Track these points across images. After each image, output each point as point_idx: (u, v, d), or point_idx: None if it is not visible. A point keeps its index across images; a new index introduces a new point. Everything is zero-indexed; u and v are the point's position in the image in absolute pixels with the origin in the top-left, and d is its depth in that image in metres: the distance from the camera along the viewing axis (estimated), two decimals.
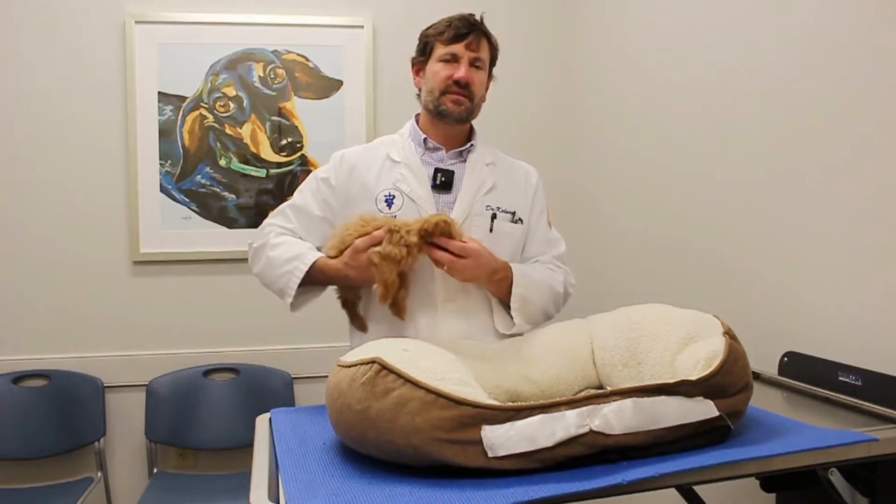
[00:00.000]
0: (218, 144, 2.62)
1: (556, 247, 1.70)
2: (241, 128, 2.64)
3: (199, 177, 2.62)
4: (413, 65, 1.66)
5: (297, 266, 1.51)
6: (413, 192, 1.56)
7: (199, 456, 2.61)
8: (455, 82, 1.55)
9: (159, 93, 2.58)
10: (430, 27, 1.62)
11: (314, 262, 1.51)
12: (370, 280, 1.46)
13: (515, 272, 1.53)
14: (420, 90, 1.64)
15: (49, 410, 2.48)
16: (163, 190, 2.59)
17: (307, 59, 2.67)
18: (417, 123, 1.66)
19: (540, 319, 1.60)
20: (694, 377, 1.05)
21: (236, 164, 2.64)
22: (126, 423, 2.56)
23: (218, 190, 2.63)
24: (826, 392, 1.37)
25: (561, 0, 2.84)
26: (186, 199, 2.61)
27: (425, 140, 1.62)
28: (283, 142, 2.66)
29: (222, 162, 2.63)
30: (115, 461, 2.58)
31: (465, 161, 1.63)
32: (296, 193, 1.67)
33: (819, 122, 1.53)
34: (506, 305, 1.55)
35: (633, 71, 2.34)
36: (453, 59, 1.56)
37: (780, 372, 1.55)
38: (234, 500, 2.31)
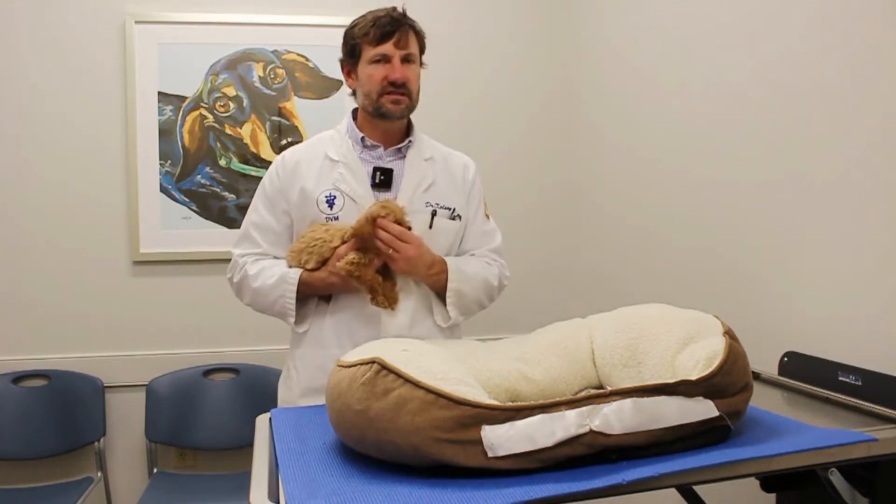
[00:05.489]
0: (218, 144, 2.62)
1: (492, 240, 1.72)
2: (241, 128, 2.64)
3: (199, 177, 2.61)
4: (342, 66, 1.65)
5: (287, 288, 1.56)
6: (353, 191, 1.57)
7: (199, 456, 2.61)
8: (391, 83, 1.55)
9: (159, 93, 2.57)
10: (354, 26, 1.60)
11: (299, 278, 1.55)
12: (353, 286, 1.51)
13: (450, 267, 1.58)
14: (354, 91, 1.64)
15: (49, 410, 2.48)
16: (163, 190, 2.59)
17: (307, 59, 2.67)
18: (354, 120, 1.66)
19: (475, 310, 1.66)
20: (694, 377, 1.05)
21: (236, 164, 2.64)
22: (126, 423, 2.56)
23: (218, 190, 2.63)
24: (826, 392, 1.37)
25: (561, 1, 2.84)
26: (186, 199, 2.61)
27: (363, 138, 1.63)
28: (283, 142, 2.66)
29: (222, 162, 2.63)
30: (115, 461, 2.57)
31: (403, 157, 1.64)
32: (251, 210, 1.69)
33: (819, 124, 1.53)
34: (443, 299, 1.60)
35: (634, 71, 2.34)
36: (384, 60, 1.55)
37: (780, 372, 1.55)
38: (234, 500, 2.31)
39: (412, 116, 1.67)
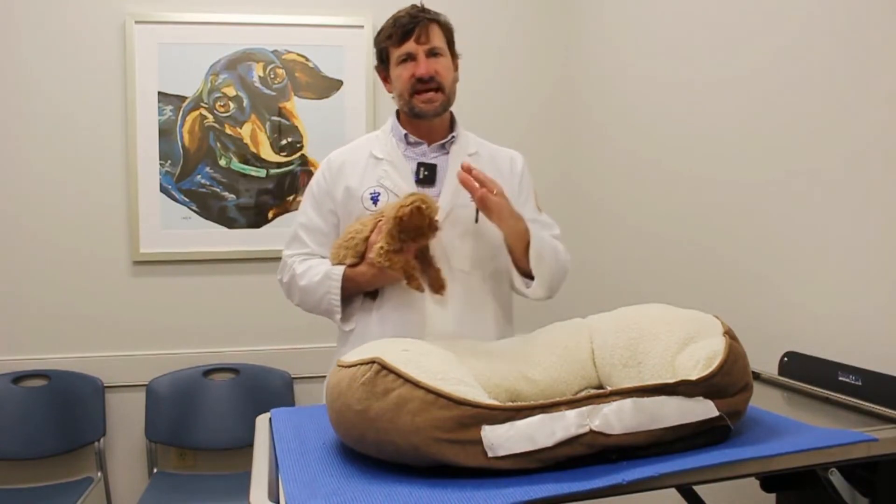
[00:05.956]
0: (218, 144, 2.62)
1: (550, 228, 1.69)
2: (241, 128, 2.64)
3: (199, 177, 2.62)
4: (379, 73, 1.67)
5: (331, 285, 1.55)
6: (397, 187, 1.57)
7: (199, 456, 2.61)
8: (418, 80, 1.55)
9: (159, 93, 2.57)
10: (380, 32, 1.62)
11: (343, 274, 1.54)
12: (391, 276, 1.49)
13: (531, 230, 1.53)
14: (393, 95, 1.65)
15: (49, 410, 2.48)
16: (163, 190, 2.59)
17: (307, 59, 2.66)
18: (398, 119, 1.66)
19: (549, 284, 1.59)
20: (694, 377, 1.05)
21: (236, 164, 2.64)
22: (126, 423, 2.56)
23: (218, 190, 2.63)
24: (826, 392, 1.37)
25: (561, 1, 2.84)
26: (186, 199, 2.61)
27: (406, 135, 1.63)
28: (283, 142, 2.66)
29: (222, 162, 2.63)
30: (115, 461, 2.58)
31: (448, 153, 1.63)
32: (299, 212, 1.70)
33: (820, 123, 1.53)
34: (518, 267, 1.56)
35: (633, 71, 2.34)
36: (410, 58, 1.56)
37: (780, 372, 1.55)
38: (234, 500, 2.31)
39: (456, 112, 1.66)
